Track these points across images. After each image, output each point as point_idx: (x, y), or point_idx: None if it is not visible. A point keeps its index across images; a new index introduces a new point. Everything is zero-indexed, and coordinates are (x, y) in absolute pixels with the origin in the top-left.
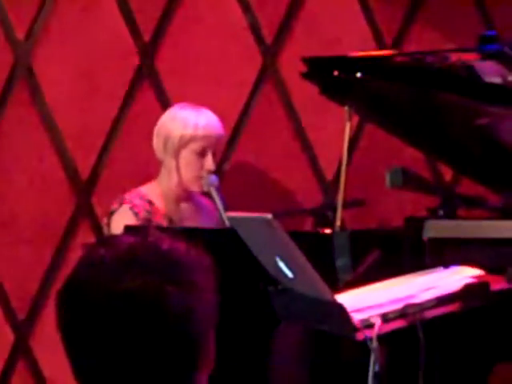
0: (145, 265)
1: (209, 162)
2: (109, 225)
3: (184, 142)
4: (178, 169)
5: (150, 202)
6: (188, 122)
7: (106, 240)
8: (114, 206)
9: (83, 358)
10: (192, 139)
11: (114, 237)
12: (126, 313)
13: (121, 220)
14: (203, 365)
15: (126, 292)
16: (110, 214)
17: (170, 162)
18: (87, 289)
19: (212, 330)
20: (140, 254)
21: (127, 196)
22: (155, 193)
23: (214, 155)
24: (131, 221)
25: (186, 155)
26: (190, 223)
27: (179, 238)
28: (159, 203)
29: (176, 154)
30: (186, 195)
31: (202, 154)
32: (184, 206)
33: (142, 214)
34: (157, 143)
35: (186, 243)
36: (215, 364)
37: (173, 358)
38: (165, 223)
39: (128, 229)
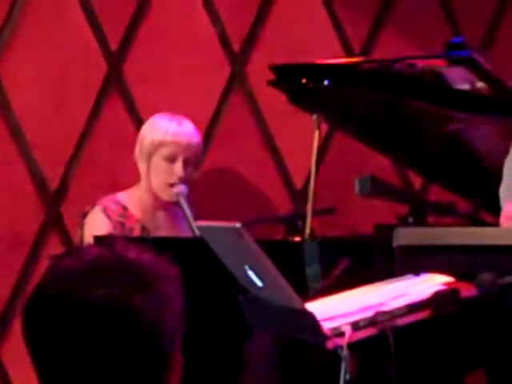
0: (111, 275)
1: (178, 169)
2: (82, 226)
3: (154, 147)
4: (148, 174)
5: (125, 208)
6: (160, 127)
7: (72, 251)
8: (88, 208)
9: (50, 371)
10: (161, 144)
11: (81, 247)
12: (92, 324)
13: (93, 222)
14: (171, 374)
15: (91, 303)
16: (83, 215)
17: (143, 168)
18: (53, 300)
19: (179, 339)
20: (106, 264)
21: (103, 199)
22: (132, 200)
23: (185, 164)
24: (103, 222)
25: (156, 160)
26: (166, 232)
27: (146, 248)
28: (135, 210)
29: (148, 159)
30: (163, 203)
31: (171, 160)
32: (161, 214)
33: (115, 218)
34: (136, 150)
35: (152, 253)
36: (186, 373)
37: (141, 369)
38: (137, 229)
39: (98, 239)
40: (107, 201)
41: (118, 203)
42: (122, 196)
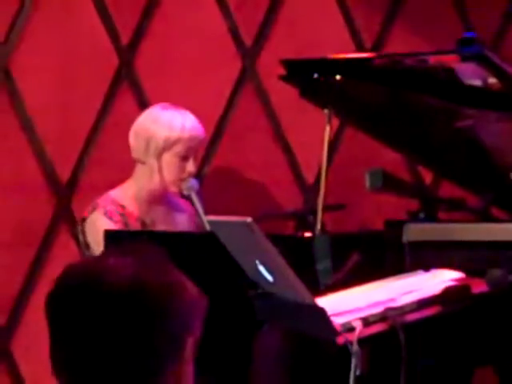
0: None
1: (190, 165)
2: (83, 232)
3: (169, 144)
4: (160, 170)
5: (123, 206)
6: (174, 124)
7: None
8: (87, 212)
9: (70, 355)
10: (177, 141)
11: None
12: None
13: (97, 226)
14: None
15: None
16: (83, 220)
17: (151, 164)
18: (77, 286)
19: (191, 340)
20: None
21: (100, 202)
22: (127, 196)
23: (194, 158)
24: (107, 225)
25: (169, 157)
26: (163, 226)
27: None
28: (131, 206)
29: (159, 156)
30: (161, 197)
31: (184, 156)
32: (157, 208)
33: (117, 218)
34: (136, 144)
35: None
36: (197, 366)
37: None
38: (138, 227)
39: (108, 234)
40: (105, 202)
41: (115, 202)
42: (116, 194)
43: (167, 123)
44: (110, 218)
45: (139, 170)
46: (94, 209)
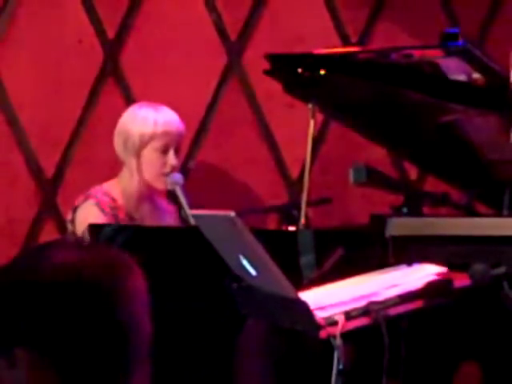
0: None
1: (171, 159)
2: (73, 221)
3: (145, 141)
4: (139, 168)
5: (113, 199)
6: (147, 120)
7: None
8: (79, 201)
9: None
10: (152, 137)
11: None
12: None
13: (87, 215)
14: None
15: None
16: (74, 209)
17: (131, 162)
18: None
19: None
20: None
21: (93, 192)
22: (117, 191)
23: (176, 152)
24: (98, 216)
25: (148, 154)
26: (151, 222)
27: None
28: (121, 201)
29: (137, 154)
30: (147, 195)
31: (163, 151)
32: (144, 205)
33: (108, 210)
34: (117, 143)
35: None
36: (179, 363)
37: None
38: (127, 221)
39: (93, 227)
40: (98, 193)
41: (107, 194)
42: (108, 187)
43: (141, 120)
44: (102, 210)
45: (123, 170)
46: (86, 198)
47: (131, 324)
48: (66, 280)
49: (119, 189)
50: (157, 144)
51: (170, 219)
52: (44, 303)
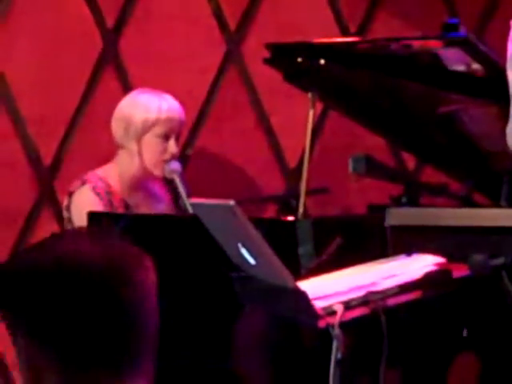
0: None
1: (172, 146)
2: (68, 207)
3: (147, 126)
4: (140, 153)
5: (108, 185)
6: (151, 106)
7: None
8: (74, 186)
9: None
10: (155, 123)
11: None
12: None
13: (84, 200)
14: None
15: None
16: (70, 194)
17: (132, 147)
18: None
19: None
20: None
21: (88, 177)
22: (112, 176)
23: (176, 140)
24: (94, 201)
25: (149, 139)
26: (145, 210)
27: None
28: (116, 187)
29: (138, 139)
30: (143, 182)
31: (165, 137)
32: (140, 192)
33: (104, 195)
34: (116, 128)
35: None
36: (176, 350)
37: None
38: (122, 207)
39: (93, 216)
40: (93, 178)
41: (102, 180)
42: (103, 172)
43: (144, 106)
44: (98, 194)
45: (121, 155)
46: (82, 183)
47: (138, 317)
48: (74, 270)
49: (115, 174)
50: (159, 130)
51: (164, 207)
52: (49, 293)
